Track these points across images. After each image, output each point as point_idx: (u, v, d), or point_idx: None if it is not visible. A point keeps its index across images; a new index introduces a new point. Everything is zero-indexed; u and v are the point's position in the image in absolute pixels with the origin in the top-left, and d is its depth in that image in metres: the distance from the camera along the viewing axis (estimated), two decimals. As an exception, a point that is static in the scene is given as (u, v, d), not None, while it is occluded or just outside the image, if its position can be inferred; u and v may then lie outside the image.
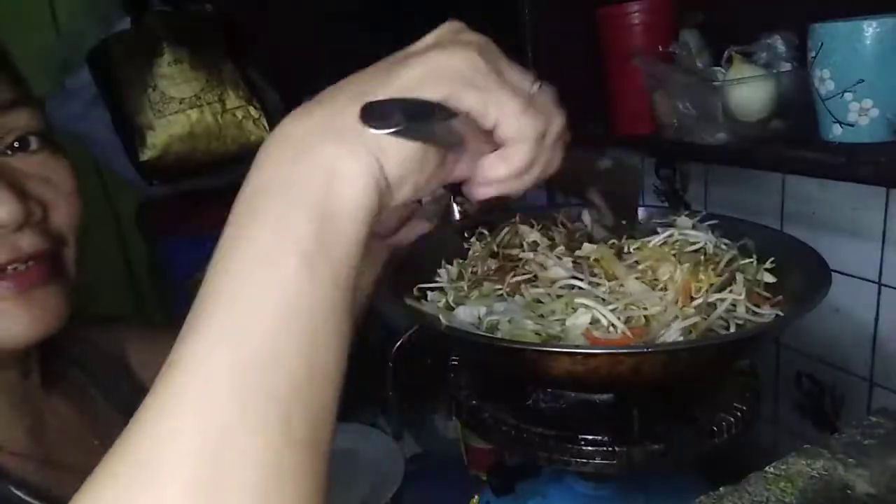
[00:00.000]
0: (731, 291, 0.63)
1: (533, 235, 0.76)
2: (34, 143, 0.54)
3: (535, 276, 0.68)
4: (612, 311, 0.60)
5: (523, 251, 0.73)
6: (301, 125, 0.37)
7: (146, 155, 1.49)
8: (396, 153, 0.36)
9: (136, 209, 1.71)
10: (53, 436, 0.61)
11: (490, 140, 0.40)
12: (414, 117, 0.35)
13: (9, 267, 0.51)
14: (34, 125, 0.54)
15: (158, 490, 0.29)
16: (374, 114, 0.34)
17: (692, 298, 0.63)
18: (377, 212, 0.37)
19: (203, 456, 0.30)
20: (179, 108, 1.48)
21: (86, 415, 0.64)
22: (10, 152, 0.53)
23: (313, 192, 0.34)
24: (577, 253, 0.70)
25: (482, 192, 0.43)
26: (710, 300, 0.63)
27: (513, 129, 0.39)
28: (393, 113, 0.34)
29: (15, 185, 0.51)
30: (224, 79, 1.52)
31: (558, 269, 0.68)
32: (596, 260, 0.68)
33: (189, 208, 1.65)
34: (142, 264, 1.80)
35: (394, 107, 0.35)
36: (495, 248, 0.75)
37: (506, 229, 0.78)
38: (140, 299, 1.85)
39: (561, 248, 0.71)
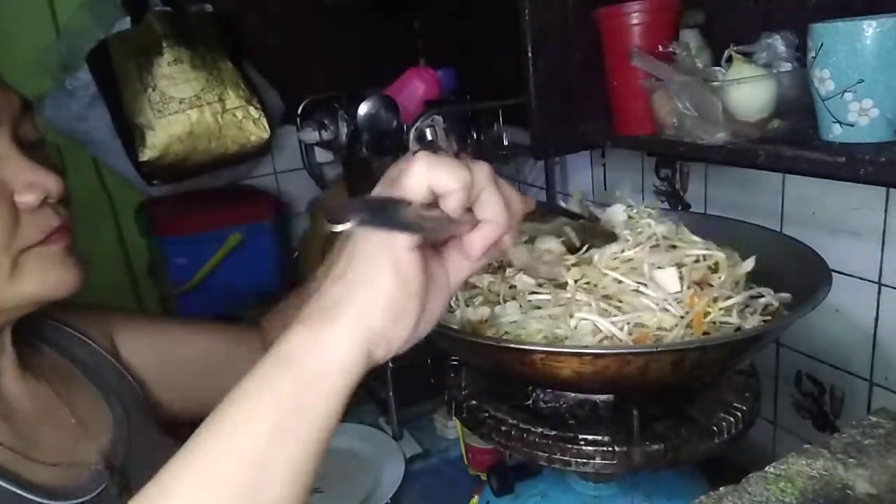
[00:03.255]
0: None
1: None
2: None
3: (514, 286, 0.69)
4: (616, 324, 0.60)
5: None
6: (305, 310, 0.43)
7: (146, 155, 1.48)
8: (375, 304, 0.41)
9: (136, 209, 1.71)
10: (26, 416, 0.62)
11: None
12: (377, 210, 0.38)
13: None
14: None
15: None
16: (338, 214, 0.37)
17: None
18: (370, 361, 0.42)
19: None
20: (179, 108, 1.48)
21: (63, 394, 0.66)
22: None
23: (300, 362, 0.40)
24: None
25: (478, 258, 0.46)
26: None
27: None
28: (356, 209, 0.37)
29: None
30: (224, 79, 1.52)
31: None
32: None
33: (189, 208, 1.65)
34: (142, 264, 1.80)
35: (356, 203, 0.38)
36: None
37: None
38: (140, 299, 1.85)
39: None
